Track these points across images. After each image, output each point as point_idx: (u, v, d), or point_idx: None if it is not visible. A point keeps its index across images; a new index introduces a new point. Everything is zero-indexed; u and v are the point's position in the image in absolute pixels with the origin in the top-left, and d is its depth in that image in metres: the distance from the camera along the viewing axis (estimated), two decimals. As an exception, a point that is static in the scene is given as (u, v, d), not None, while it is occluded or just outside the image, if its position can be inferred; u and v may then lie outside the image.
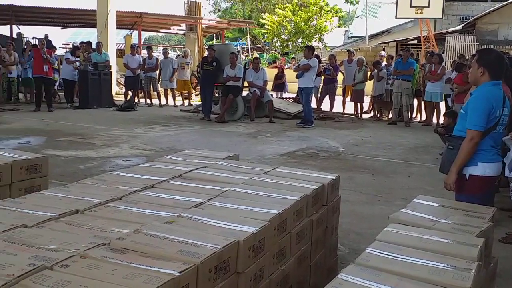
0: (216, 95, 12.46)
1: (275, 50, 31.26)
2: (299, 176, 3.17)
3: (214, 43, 27.36)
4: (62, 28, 24.35)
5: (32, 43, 16.79)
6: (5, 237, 1.87)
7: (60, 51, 16.70)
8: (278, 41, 29.54)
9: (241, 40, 34.98)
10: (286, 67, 20.52)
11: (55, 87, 14.37)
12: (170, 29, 25.55)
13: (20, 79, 14.06)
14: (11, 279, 1.52)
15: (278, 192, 2.74)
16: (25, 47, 15.57)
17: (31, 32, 22.90)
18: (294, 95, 14.30)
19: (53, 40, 18.00)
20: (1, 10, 19.30)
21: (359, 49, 22.46)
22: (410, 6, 19.42)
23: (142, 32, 22.99)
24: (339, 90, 13.87)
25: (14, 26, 20.85)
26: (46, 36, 17.26)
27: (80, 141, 8.34)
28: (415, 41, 21.57)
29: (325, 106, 13.61)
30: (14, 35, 19.34)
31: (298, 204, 2.62)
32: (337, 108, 13.57)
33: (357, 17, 37.73)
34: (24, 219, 2.11)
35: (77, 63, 13.77)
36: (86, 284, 1.53)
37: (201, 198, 2.61)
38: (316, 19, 28.16)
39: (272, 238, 2.30)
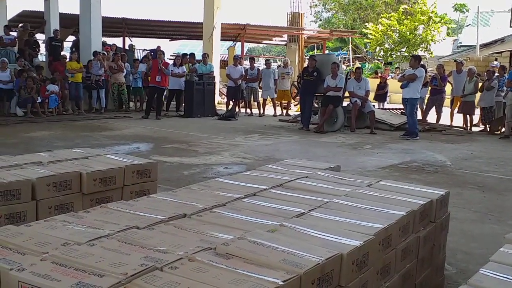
0: (316, 105, 12.42)
1: (378, 60, 30.58)
2: (406, 190, 3.04)
3: (315, 53, 27.33)
4: (170, 41, 25.63)
5: (144, 55, 17.82)
6: (119, 237, 1.98)
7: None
8: (382, 51, 28.85)
9: (342, 50, 34.67)
10: (389, 77, 19.99)
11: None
12: (272, 40, 25.96)
13: (130, 88, 14.96)
14: (125, 277, 1.59)
15: (383, 206, 2.65)
16: (138, 58, 16.56)
17: (142, 44, 24.41)
18: (400, 106, 13.89)
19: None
20: (115, 23, 20.72)
21: (469, 59, 21.36)
22: (527, 14, 18.14)
23: (245, 43, 23.57)
24: (447, 101, 13.27)
25: (126, 38, 22.31)
26: (159, 47, 18.24)
27: (185, 148, 8.67)
28: (532, 51, 20.09)
29: (431, 117, 13.06)
30: (126, 47, 20.65)
31: (404, 220, 2.52)
32: (444, 120, 12.97)
33: (467, 25, 35.90)
34: (136, 220, 2.22)
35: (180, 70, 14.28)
36: (194, 287, 1.57)
37: (302, 208, 2.59)
38: (423, 28, 27.15)
39: (376, 253, 2.22)
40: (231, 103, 15.08)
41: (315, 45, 30.09)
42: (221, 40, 18.59)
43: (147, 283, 1.58)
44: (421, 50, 26.94)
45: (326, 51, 26.14)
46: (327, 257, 1.87)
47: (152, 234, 2.05)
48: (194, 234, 2.08)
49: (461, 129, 12.46)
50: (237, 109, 14.97)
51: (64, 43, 16.92)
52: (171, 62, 14.75)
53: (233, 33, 21.64)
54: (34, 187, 2.98)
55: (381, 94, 15.42)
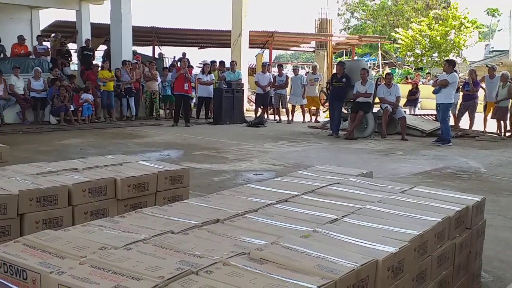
0: (345, 111, 12.35)
1: (408, 65, 30.22)
2: (440, 197, 2.99)
3: (344, 59, 27.22)
4: (199, 49, 25.87)
5: (171, 63, 18.02)
6: (155, 241, 2.00)
7: (196, 70, 17.69)
8: (412, 56, 28.50)
9: (371, 56, 34.42)
10: (420, 82, 19.74)
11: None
12: (300, 46, 25.95)
13: (160, 96, 15.14)
14: (162, 281, 1.61)
15: (418, 212, 2.61)
16: (166, 66, 16.75)
17: (171, 52, 24.72)
18: (431, 112, 13.70)
19: (191, 59, 19.19)
20: (145, 32, 21.02)
21: (501, 63, 20.91)
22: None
23: (273, 50, 23.64)
24: (480, 107, 13.02)
25: (156, 47, 22.61)
26: (184, 54, 18.42)
27: (214, 155, 8.72)
28: None
29: (464, 123, 12.84)
30: (156, 55, 20.93)
31: (440, 226, 2.48)
32: (478, 126, 12.73)
33: (499, 30, 35.24)
34: (170, 225, 2.24)
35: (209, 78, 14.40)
36: (230, 291, 1.58)
37: (335, 214, 2.57)
38: (454, 33, 26.76)
39: (412, 259, 2.19)
40: (260, 110, 15.11)
41: (344, 51, 29.95)
42: (249, 47, 18.66)
43: (184, 286, 1.59)
44: (453, 55, 26.54)
45: (355, 57, 25.96)
46: (362, 263, 1.85)
47: (186, 238, 2.07)
48: (227, 239, 2.09)
49: (495, 135, 12.19)
50: (265, 116, 14.99)
51: (96, 52, 17.25)
52: (198, 70, 14.89)
53: (261, 40, 21.71)
54: (71, 193, 3.04)
55: (412, 99, 15.23)
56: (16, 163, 3.87)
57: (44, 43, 15.62)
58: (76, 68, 17.17)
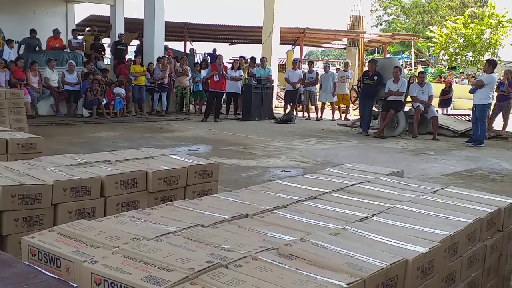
0: (376, 109, 12.23)
1: (442, 64, 29.68)
2: (472, 198, 2.94)
3: (375, 57, 26.92)
4: (230, 45, 25.96)
5: (203, 59, 18.12)
6: (185, 234, 2.03)
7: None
8: (446, 55, 27.98)
9: (403, 54, 33.93)
10: (453, 82, 19.39)
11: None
12: (331, 43, 25.78)
13: (191, 91, 15.26)
14: (192, 273, 1.63)
15: (449, 213, 2.58)
16: (198, 62, 16.88)
17: (202, 48, 24.89)
18: (462, 112, 13.45)
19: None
20: (178, 27, 21.20)
21: (538, 63, 20.36)
22: None
23: (303, 47, 23.54)
24: (515, 108, 12.73)
25: (187, 43, 22.78)
26: (215, 50, 18.49)
27: (242, 151, 8.76)
28: None
29: (498, 124, 12.57)
30: (187, 51, 21.09)
31: (471, 227, 2.44)
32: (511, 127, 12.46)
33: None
34: (200, 219, 2.26)
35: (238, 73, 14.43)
36: (258, 285, 1.59)
37: (365, 212, 2.55)
38: (490, 32, 26.18)
39: (442, 260, 2.16)
40: (289, 106, 15.09)
41: (376, 48, 29.61)
42: (280, 43, 18.62)
43: (213, 279, 1.61)
44: (488, 55, 25.99)
45: (387, 55, 25.64)
46: (392, 262, 1.84)
47: (216, 232, 2.09)
48: (256, 234, 2.10)
49: (530, 137, 11.92)
50: (294, 113, 14.96)
51: (129, 47, 17.49)
52: (229, 66, 14.96)
53: (292, 36, 21.65)
54: (103, 184, 3.10)
55: (446, 99, 14.97)
56: (50, 154, 3.96)
57: (78, 37, 15.91)
58: (109, 62, 17.43)
